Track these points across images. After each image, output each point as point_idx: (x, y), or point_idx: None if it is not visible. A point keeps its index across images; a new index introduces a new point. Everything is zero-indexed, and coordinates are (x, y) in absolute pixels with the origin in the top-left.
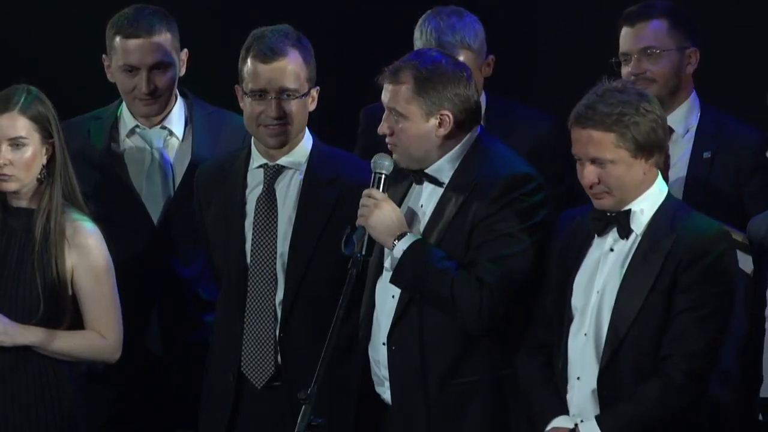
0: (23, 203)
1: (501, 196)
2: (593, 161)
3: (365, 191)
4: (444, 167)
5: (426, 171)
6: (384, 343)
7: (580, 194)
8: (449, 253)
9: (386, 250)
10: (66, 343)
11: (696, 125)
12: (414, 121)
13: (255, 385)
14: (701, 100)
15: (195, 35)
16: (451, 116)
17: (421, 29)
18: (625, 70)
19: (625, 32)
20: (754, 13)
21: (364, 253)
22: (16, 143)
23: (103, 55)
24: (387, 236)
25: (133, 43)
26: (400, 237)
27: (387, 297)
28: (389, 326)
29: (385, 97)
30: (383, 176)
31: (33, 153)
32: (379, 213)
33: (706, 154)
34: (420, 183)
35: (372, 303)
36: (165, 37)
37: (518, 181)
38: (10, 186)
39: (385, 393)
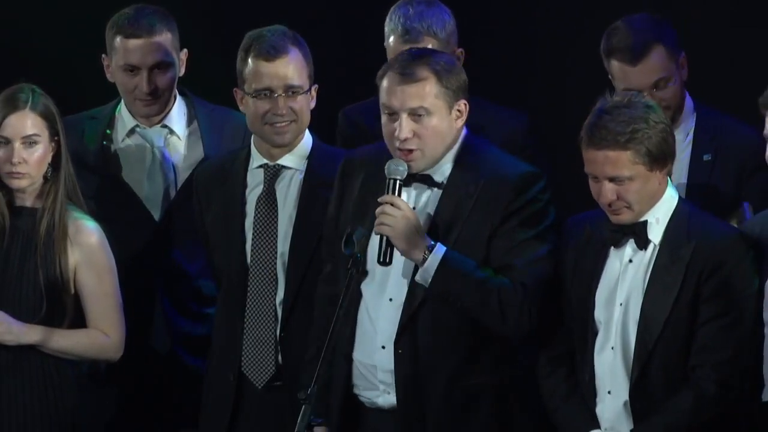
0: (27, 202)
1: (518, 196)
2: (611, 180)
3: (385, 198)
4: (444, 166)
5: (424, 172)
6: (383, 347)
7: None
8: (465, 255)
9: (369, 253)
10: (69, 341)
11: (693, 128)
12: (440, 115)
13: (255, 385)
14: (696, 102)
15: (195, 35)
16: (467, 105)
17: (390, 16)
18: None
19: (625, 70)
20: (752, 13)
21: (383, 260)
22: (29, 141)
23: (103, 55)
24: (415, 248)
25: (134, 43)
26: (430, 249)
27: (381, 300)
28: (396, 330)
29: (401, 100)
30: (399, 182)
31: (44, 150)
32: (408, 224)
33: (706, 157)
34: (408, 185)
35: (356, 308)
36: (165, 37)
37: (531, 180)
38: (22, 183)
39: (379, 397)
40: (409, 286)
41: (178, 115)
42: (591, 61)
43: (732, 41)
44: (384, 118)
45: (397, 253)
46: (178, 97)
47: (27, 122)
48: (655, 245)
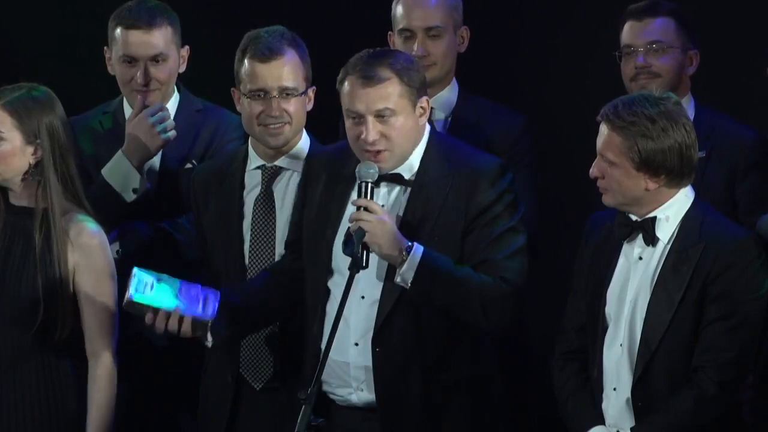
0: (24, 202)
1: (490, 188)
2: (602, 156)
3: (359, 202)
4: (412, 163)
5: (393, 171)
6: (356, 344)
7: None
8: (440, 251)
9: (335, 252)
10: (98, 413)
11: None
12: (406, 114)
13: (254, 386)
14: (697, 101)
15: (197, 34)
16: (428, 103)
17: None
18: (628, 63)
19: (630, 26)
20: (752, 13)
21: (360, 264)
22: None
23: (105, 48)
24: (392, 250)
25: (134, 34)
26: (408, 250)
27: (352, 298)
28: (370, 327)
29: (366, 103)
30: (371, 185)
31: (11, 149)
32: (384, 228)
33: (700, 154)
34: (377, 185)
35: (324, 307)
36: (165, 31)
37: (501, 172)
38: None
39: (352, 395)
40: (384, 285)
41: (171, 111)
42: (593, 63)
43: (731, 42)
44: (348, 123)
45: None
46: (176, 94)
47: None
48: (664, 243)
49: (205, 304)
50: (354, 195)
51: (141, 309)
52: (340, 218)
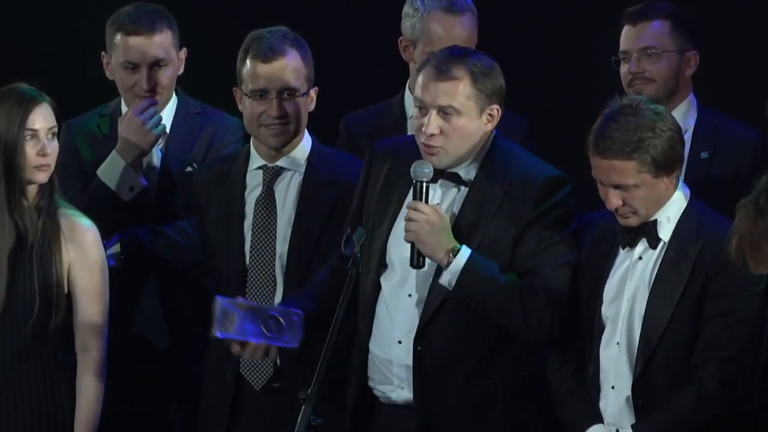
0: (23, 201)
1: (545, 199)
2: (617, 187)
3: (411, 203)
4: (471, 165)
5: (451, 170)
6: (400, 342)
7: None
8: (489, 257)
9: (390, 245)
10: (85, 414)
11: (693, 126)
12: (469, 117)
13: (254, 386)
14: (699, 102)
15: (195, 35)
16: (499, 110)
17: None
18: (624, 69)
19: (626, 30)
20: (755, 13)
21: (416, 264)
22: (53, 132)
23: (102, 53)
24: (438, 251)
25: (135, 40)
26: (454, 252)
27: (401, 295)
28: (414, 326)
29: (433, 96)
30: (425, 184)
31: (55, 146)
32: (432, 230)
33: (704, 155)
34: (434, 182)
35: (374, 300)
36: (165, 35)
37: (558, 184)
38: (48, 176)
39: (393, 392)
40: (431, 284)
41: (169, 114)
42: (593, 65)
43: (733, 42)
44: (415, 111)
45: None
46: (174, 97)
47: (51, 114)
48: (664, 243)
49: (291, 330)
50: (410, 195)
51: (228, 341)
52: (398, 213)
